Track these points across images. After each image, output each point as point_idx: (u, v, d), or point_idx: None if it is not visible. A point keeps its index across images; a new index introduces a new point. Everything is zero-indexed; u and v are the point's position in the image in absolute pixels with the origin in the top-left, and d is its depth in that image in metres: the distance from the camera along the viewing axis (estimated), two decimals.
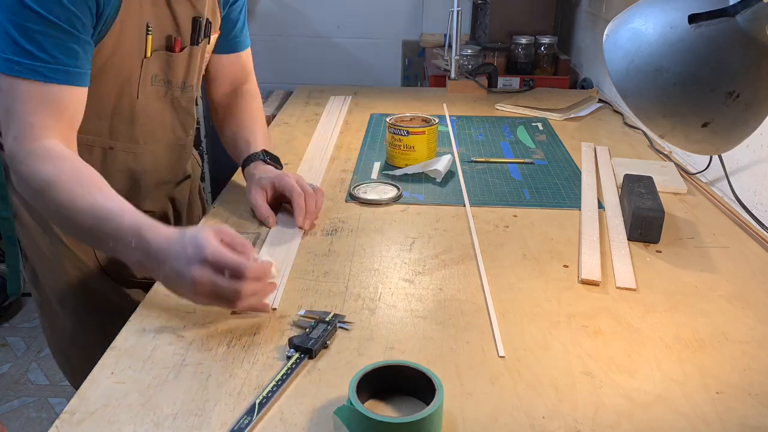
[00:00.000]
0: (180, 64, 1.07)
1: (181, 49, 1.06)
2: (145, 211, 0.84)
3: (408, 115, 1.35)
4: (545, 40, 2.18)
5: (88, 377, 0.70)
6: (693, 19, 0.74)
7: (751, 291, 0.89)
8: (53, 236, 1.08)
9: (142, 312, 0.81)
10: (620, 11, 0.86)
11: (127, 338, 0.76)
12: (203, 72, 1.18)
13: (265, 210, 1.04)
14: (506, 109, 1.76)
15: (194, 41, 1.08)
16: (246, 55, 1.26)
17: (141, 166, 1.12)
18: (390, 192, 1.18)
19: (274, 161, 1.13)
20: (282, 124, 1.59)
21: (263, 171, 1.09)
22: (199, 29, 1.07)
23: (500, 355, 0.74)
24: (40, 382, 2.12)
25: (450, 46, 1.98)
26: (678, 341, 0.77)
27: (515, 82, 2.07)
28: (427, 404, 0.62)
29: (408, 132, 1.27)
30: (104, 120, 1.04)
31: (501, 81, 2.04)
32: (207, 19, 1.09)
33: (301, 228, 1.02)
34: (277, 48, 1.95)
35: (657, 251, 0.99)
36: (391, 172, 1.28)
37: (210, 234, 0.76)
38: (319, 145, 1.44)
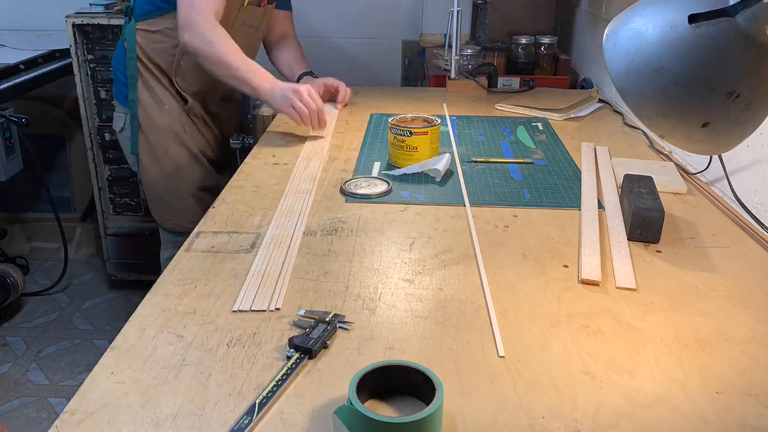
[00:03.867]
0: (260, 15, 1.71)
1: (263, 5, 1.70)
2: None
3: (409, 115, 1.35)
4: (545, 40, 2.18)
5: (88, 377, 0.70)
6: (693, 19, 0.74)
7: (751, 291, 0.89)
8: (164, 111, 1.69)
9: (142, 312, 0.81)
10: (620, 11, 0.86)
11: (127, 338, 0.76)
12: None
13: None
14: (506, 109, 1.76)
15: (270, 2, 1.73)
16: (290, 15, 1.92)
17: None
18: (380, 187, 1.19)
19: (313, 75, 1.81)
20: (282, 124, 1.59)
21: (312, 80, 1.76)
22: None
23: (500, 355, 0.74)
24: (40, 382, 2.12)
25: (450, 46, 1.98)
26: (678, 341, 0.77)
27: (515, 82, 2.07)
28: (427, 404, 0.62)
29: (411, 132, 1.28)
30: None
31: (501, 81, 2.03)
32: None
33: (338, 108, 1.73)
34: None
35: (657, 251, 0.99)
36: (390, 172, 1.28)
37: (307, 87, 1.49)
38: (315, 144, 1.44)
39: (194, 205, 1.75)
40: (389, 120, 1.32)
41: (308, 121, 1.45)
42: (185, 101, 1.70)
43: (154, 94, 1.68)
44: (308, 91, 1.46)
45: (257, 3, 1.67)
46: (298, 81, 1.75)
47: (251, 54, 1.75)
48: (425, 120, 1.33)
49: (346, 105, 1.75)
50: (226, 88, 1.75)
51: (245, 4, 1.61)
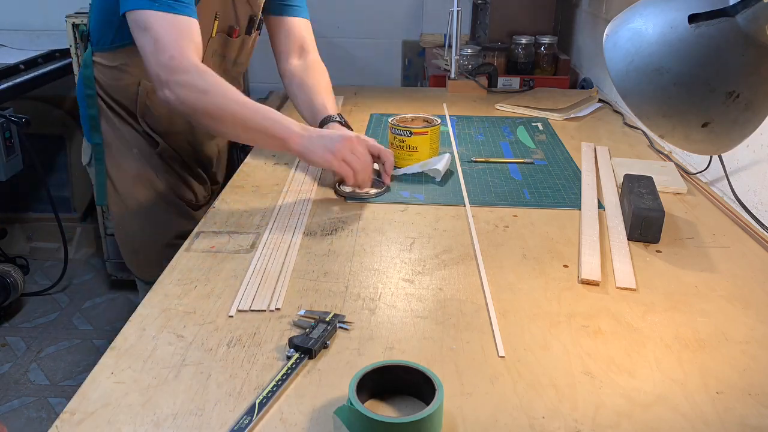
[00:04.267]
0: (234, 46, 1.38)
1: (237, 36, 1.36)
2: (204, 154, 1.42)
3: (409, 115, 1.34)
4: (545, 40, 2.18)
5: (88, 377, 0.70)
6: (693, 19, 0.74)
7: (751, 291, 0.89)
8: (133, 155, 1.40)
9: (142, 312, 0.81)
10: (620, 11, 0.86)
11: (127, 338, 0.76)
12: (251, 55, 1.49)
13: None
14: (506, 109, 1.76)
15: (248, 32, 1.40)
16: (309, 24, 1.52)
17: None
18: (375, 187, 1.19)
19: (347, 125, 1.33)
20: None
21: (339, 130, 1.27)
22: (252, 24, 1.39)
23: (500, 355, 0.74)
24: (40, 382, 2.12)
25: (450, 46, 1.98)
26: (678, 341, 0.77)
27: (515, 82, 2.07)
28: (427, 404, 0.62)
29: (411, 132, 1.27)
30: None
31: (501, 81, 2.03)
32: (260, 17, 1.41)
33: (387, 184, 1.22)
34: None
35: (657, 251, 0.99)
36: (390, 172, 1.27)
37: (354, 134, 1.17)
38: None
39: (172, 254, 1.24)
40: (389, 120, 1.32)
41: (361, 179, 1.13)
42: (156, 144, 1.41)
43: (121, 135, 1.38)
44: (358, 142, 1.13)
45: (228, 33, 1.33)
46: (321, 127, 1.33)
47: None
48: (425, 120, 1.33)
49: (391, 180, 1.25)
50: None
51: (213, 35, 1.29)
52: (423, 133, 1.28)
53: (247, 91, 1.52)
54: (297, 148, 1.11)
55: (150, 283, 1.20)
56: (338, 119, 1.32)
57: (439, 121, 1.32)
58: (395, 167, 1.30)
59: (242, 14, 1.35)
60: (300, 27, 1.48)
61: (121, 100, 1.36)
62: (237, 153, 1.79)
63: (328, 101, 1.38)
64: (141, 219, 1.43)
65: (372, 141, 1.20)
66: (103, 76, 1.34)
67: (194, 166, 1.50)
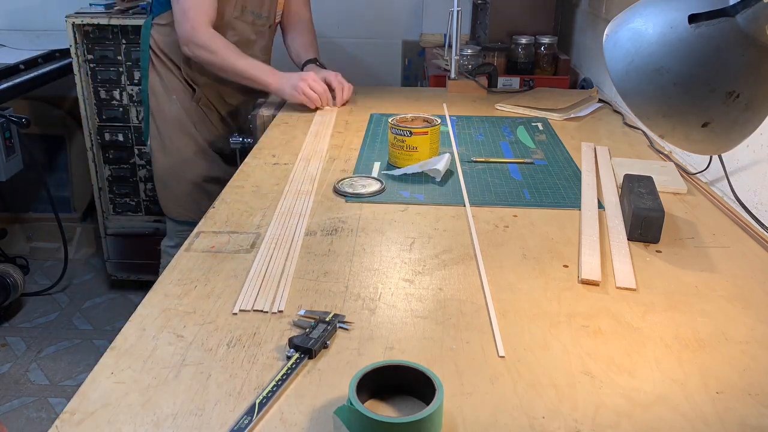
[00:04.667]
0: (262, 1, 1.78)
1: None
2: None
3: (409, 115, 1.34)
4: (545, 40, 2.18)
5: (88, 377, 0.70)
6: (693, 19, 0.74)
7: (751, 291, 0.89)
8: (172, 101, 1.81)
9: (142, 312, 0.81)
10: (620, 11, 0.86)
11: (127, 338, 0.76)
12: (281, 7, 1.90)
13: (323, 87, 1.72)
14: (506, 109, 1.76)
15: None
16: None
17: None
18: (373, 186, 1.19)
19: (321, 65, 1.88)
20: (282, 124, 1.59)
21: (317, 69, 1.82)
22: None
23: (500, 355, 0.74)
24: (40, 382, 2.12)
25: (450, 46, 1.98)
26: (678, 341, 0.77)
27: (515, 82, 2.07)
28: (427, 404, 0.62)
29: (411, 132, 1.27)
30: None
31: (501, 81, 2.03)
32: None
33: (337, 106, 1.72)
34: (277, 48, 1.99)
35: (657, 251, 0.99)
36: (390, 172, 1.28)
37: (311, 74, 1.69)
38: (313, 145, 1.44)
39: (199, 196, 1.85)
40: (389, 120, 1.32)
41: (319, 103, 1.66)
42: (194, 90, 1.81)
43: (164, 84, 1.80)
44: (312, 78, 1.65)
45: None
46: (302, 68, 1.85)
47: (264, 45, 1.87)
48: (425, 120, 1.33)
49: (345, 104, 1.75)
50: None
51: None
52: (423, 133, 1.28)
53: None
54: (274, 89, 1.67)
55: (178, 222, 1.91)
56: (314, 62, 1.87)
57: (439, 121, 1.32)
58: (395, 167, 1.30)
59: None
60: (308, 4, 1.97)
61: (169, 54, 1.78)
62: (240, 154, 1.88)
63: (310, 50, 1.94)
64: (174, 157, 1.82)
65: (326, 74, 1.74)
66: (159, 33, 1.78)
67: (225, 116, 1.89)
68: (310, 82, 1.63)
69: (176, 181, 1.84)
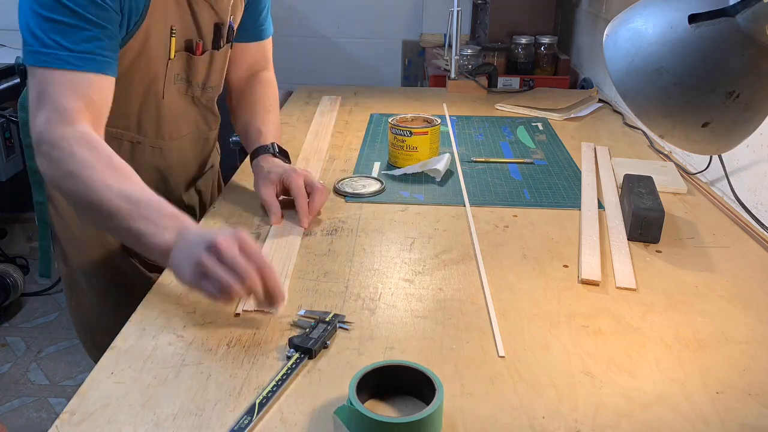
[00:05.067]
0: (201, 66, 1.12)
1: (202, 53, 1.11)
2: (174, 204, 0.86)
3: (409, 115, 1.34)
4: (545, 40, 2.18)
5: (88, 377, 0.70)
6: (693, 19, 0.74)
7: (751, 291, 0.89)
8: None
9: (142, 312, 0.81)
10: (620, 11, 0.86)
11: (127, 338, 0.76)
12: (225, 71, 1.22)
13: (273, 205, 1.06)
14: (506, 109, 1.76)
15: (216, 46, 1.12)
16: (267, 43, 1.30)
17: (168, 161, 1.18)
18: (373, 186, 1.19)
19: (283, 155, 1.15)
20: (282, 124, 1.59)
21: (272, 164, 1.10)
22: (220, 35, 1.12)
23: (500, 355, 0.74)
24: (40, 382, 2.12)
25: (450, 46, 1.98)
26: (678, 341, 0.77)
27: (515, 82, 2.07)
28: (427, 404, 0.62)
29: (411, 132, 1.27)
30: (132, 117, 1.10)
31: (501, 81, 2.04)
32: (230, 25, 1.14)
33: (303, 228, 1.03)
34: (277, 48, 1.98)
35: (657, 251, 0.99)
36: (390, 172, 1.28)
37: (229, 233, 0.77)
38: (313, 144, 1.44)
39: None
40: (389, 120, 1.32)
41: (234, 293, 0.74)
42: None
43: (60, 203, 1.13)
44: (230, 240, 0.76)
45: (189, 50, 1.08)
46: (252, 159, 1.15)
47: (206, 126, 1.23)
48: (425, 120, 1.33)
49: (314, 221, 1.06)
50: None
51: (172, 56, 1.05)
52: (423, 133, 1.28)
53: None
54: (164, 262, 0.82)
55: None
56: (271, 150, 1.13)
57: (439, 121, 1.32)
58: (395, 167, 1.30)
59: (206, 24, 1.08)
60: (265, 47, 1.30)
61: None
62: (240, 154, 1.62)
63: (265, 124, 1.19)
64: (96, 293, 1.18)
65: (286, 177, 1.05)
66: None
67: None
68: (224, 252, 0.75)
69: (104, 325, 1.13)
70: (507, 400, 0.67)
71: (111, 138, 1.03)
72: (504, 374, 0.71)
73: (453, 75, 1.95)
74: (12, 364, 2.20)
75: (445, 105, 1.78)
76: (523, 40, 2.16)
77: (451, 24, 1.93)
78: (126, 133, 1.11)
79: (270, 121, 1.21)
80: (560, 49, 2.30)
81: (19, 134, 1.15)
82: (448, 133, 1.54)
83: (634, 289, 0.88)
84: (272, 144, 1.15)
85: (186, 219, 0.83)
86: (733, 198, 1.14)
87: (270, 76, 1.31)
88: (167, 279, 0.89)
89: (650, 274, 0.92)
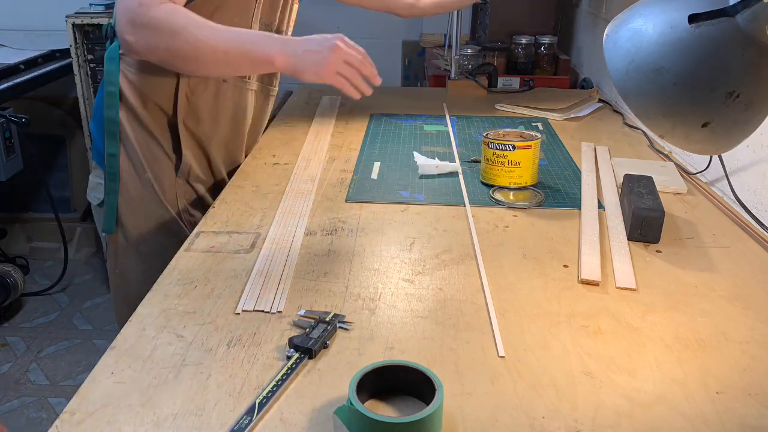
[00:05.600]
0: (277, 7, 1.21)
1: None
2: (237, 146, 1.26)
3: (500, 131, 1.24)
4: (545, 40, 2.18)
5: (88, 377, 0.70)
6: (693, 19, 0.74)
7: (751, 291, 0.89)
8: (145, 182, 1.19)
9: (142, 312, 0.81)
10: (620, 11, 0.86)
11: (127, 338, 0.76)
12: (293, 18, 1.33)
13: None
14: (506, 109, 1.76)
15: None
16: None
17: (244, 103, 1.28)
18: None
19: None
20: (282, 124, 1.59)
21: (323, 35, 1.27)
22: None
23: (500, 355, 0.74)
24: (40, 382, 2.12)
25: (450, 46, 1.98)
26: (678, 341, 0.77)
27: (515, 82, 2.07)
28: (427, 404, 0.62)
29: (514, 147, 1.17)
30: None
31: (501, 81, 2.03)
32: None
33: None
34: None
35: (657, 251, 0.99)
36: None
37: (339, 37, 1.02)
38: (313, 144, 1.44)
39: None
40: (483, 135, 1.22)
41: (361, 81, 1.03)
42: (178, 165, 1.21)
43: (134, 151, 1.18)
44: (348, 44, 1.02)
45: None
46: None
47: (269, 79, 1.33)
48: (520, 135, 1.23)
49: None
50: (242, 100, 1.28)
51: None
52: (527, 147, 1.18)
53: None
54: (284, 67, 1.02)
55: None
56: None
57: (540, 136, 1.23)
58: (492, 186, 1.21)
59: None
60: None
61: (154, 98, 1.15)
62: None
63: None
64: (143, 266, 1.19)
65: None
66: (133, 69, 1.14)
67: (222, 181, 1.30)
68: (347, 53, 1.01)
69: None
70: (507, 400, 0.67)
71: (199, 78, 1.16)
72: (504, 374, 0.71)
73: (453, 75, 1.95)
74: (12, 364, 2.20)
75: (445, 105, 1.78)
76: (523, 40, 2.16)
77: (451, 24, 1.93)
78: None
79: None
80: (560, 49, 2.30)
81: (97, 86, 1.27)
82: (448, 133, 1.54)
83: (634, 289, 0.88)
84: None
85: (284, 37, 1.05)
86: (733, 198, 1.14)
87: None
88: (167, 279, 0.89)
89: (650, 274, 0.92)
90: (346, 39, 1.02)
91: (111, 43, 1.16)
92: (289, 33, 1.30)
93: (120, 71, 1.14)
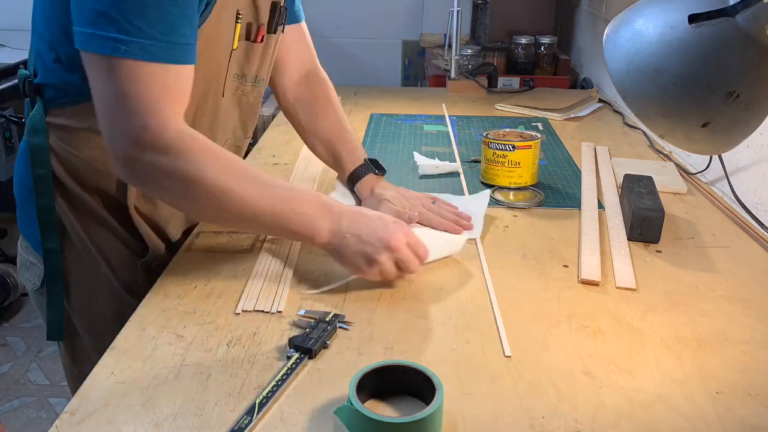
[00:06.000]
0: (256, 55, 0.98)
1: (262, 39, 0.96)
2: None
3: (500, 131, 1.24)
4: (545, 40, 2.18)
5: (89, 377, 0.70)
6: (693, 19, 0.74)
7: (751, 291, 0.89)
8: (102, 277, 0.95)
9: (142, 312, 0.81)
10: (620, 11, 0.86)
11: (127, 338, 0.76)
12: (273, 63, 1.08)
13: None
14: (506, 109, 1.76)
15: (271, 29, 0.98)
16: (305, 28, 1.16)
17: None
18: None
19: (380, 169, 1.11)
20: (282, 123, 1.59)
21: (383, 188, 1.07)
22: (278, 15, 0.98)
23: (506, 354, 0.74)
24: (40, 382, 2.12)
25: (450, 46, 1.98)
26: (678, 341, 0.77)
27: (515, 82, 2.07)
28: (427, 404, 0.62)
29: (514, 147, 1.17)
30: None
31: (501, 81, 2.04)
32: (283, 4, 0.99)
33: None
34: None
35: (657, 251, 0.99)
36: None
37: (401, 233, 0.84)
38: None
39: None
40: (484, 135, 1.21)
41: (394, 278, 0.87)
42: (143, 252, 0.97)
43: (83, 243, 0.94)
44: (408, 238, 0.85)
45: (250, 37, 0.95)
46: (353, 184, 1.10)
47: (242, 132, 1.06)
48: (520, 135, 1.22)
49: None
50: None
51: (235, 47, 0.92)
52: (527, 147, 1.17)
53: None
54: (323, 245, 0.85)
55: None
56: (372, 170, 1.09)
57: (540, 136, 1.22)
58: (492, 186, 1.20)
59: (263, 3, 0.95)
60: (303, 30, 1.17)
61: (95, 182, 0.91)
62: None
63: (349, 141, 1.12)
64: (95, 339, 0.98)
65: (414, 199, 1.03)
66: (66, 146, 0.89)
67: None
68: (401, 253, 0.84)
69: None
70: (507, 400, 0.67)
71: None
72: (504, 374, 0.71)
73: (453, 75, 1.95)
74: (12, 364, 2.20)
75: (444, 105, 1.78)
76: (523, 40, 2.16)
77: (451, 24, 1.93)
78: None
79: (350, 131, 1.13)
80: (560, 49, 2.30)
81: (20, 139, 0.97)
82: (448, 133, 1.54)
83: (634, 289, 0.88)
84: (366, 161, 1.10)
85: (336, 207, 0.86)
86: (733, 198, 1.14)
87: (323, 75, 1.17)
88: (167, 279, 0.89)
89: (650, 274, 0.92)
90: (411, 234, 0.86)
91: (32, 106, 0.90)
92: (267, 81, 1.07)
93: (50, 149, 0.89)
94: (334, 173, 1.25)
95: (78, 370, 1.03)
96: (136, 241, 0.96)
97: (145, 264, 0.97)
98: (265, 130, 1.58)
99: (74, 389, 0.98)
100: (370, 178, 1.08)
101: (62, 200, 0.92)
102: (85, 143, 0.89)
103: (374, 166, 1.10)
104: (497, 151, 1.19)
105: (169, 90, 0.77)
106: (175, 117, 0.78)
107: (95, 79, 0.76)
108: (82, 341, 1.00)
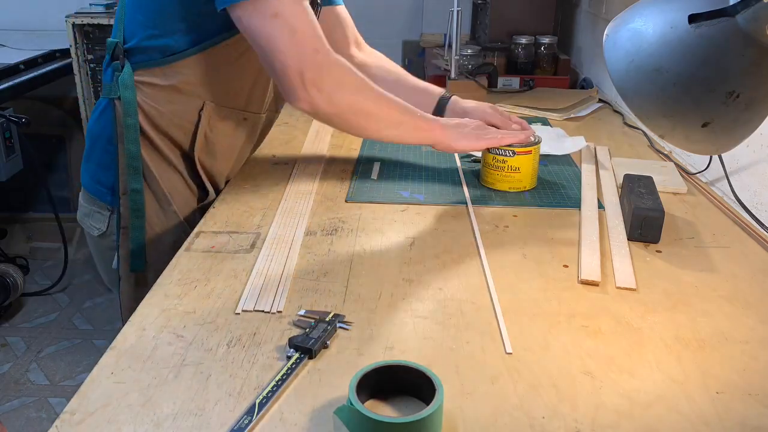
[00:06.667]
0: None
1: (318, 9, 1.11)
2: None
3: None
4: (545, 40, 2.18)
5: (88, 377, 0.70)
6: (693, 19, 0.74)
7: (751, 291, 0.89)
8: (171, 215, 1.14)
9: (142, 312, 0.81)
10: (620, 11, 0.86)
11: (127, 338, 0.76)
12: None
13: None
14: (506, 109, 1.76)
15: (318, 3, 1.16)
16: (342, 11, 1.35)
17: (253, 137, 1.27)
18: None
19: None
20: (282, 124, 1.59)
21: (463, 105, 1.30)
22: None
23: (508, 351, 0.74)
24: (40, 382, 2.12)
25: (450, 46, 1.98)
26: (678, 341, 0.77)
27: (515, 82, 2.07)
28: (427, 404, 0.62)
29: (514, 152, 1.17)
30: (242, 95, 1.15)
31: (501, 81, 2.04)
32: None
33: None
34: None
35: (657, 251, 0.99)
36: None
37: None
38: (313, 144, 1.44)
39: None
40: None
41: (507, 137, 1.16)
42: (205, 194, 1.18)
43: (158, 187, 1.11)
44: (481, 123, 1.20)
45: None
46: (442, 110, 1.31)
47: (275, 104, 1.29)
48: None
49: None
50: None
51: None
52: (526, 153, 1.17)
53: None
54: (442, 138, 1.14)
55: None
56: (449, 96, 1.33)
57: (540, 138, 1.22)
58: (489, 189, 1.22)
59: None
60: (347, 15, 1.34)
61: (170, 132, 1.09)
62: None
63: (422, 83, 1.36)
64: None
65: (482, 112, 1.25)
66: (150, 101, 1.06)
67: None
68: (484, 127, 1.19)
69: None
70: (507, 400, 0.67)
71: (221, 116, 1.13)
72: (504, 374, 0.71)
73: (453, 75, 1.95)
74: (12, 364, 2.20)
75: None
76: (523, 40, 2.16)
77: (451, 24, 1.93)
78: (234, 111, 1.15)
79: (416, 82, 1.36)
80: (560, 49, 2.29)
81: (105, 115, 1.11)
82: None
83: (634, 289, 0.88)
84: (445, 92, 1.33)
85: (438, 121, 1.16)
86: (733, 198, 1.14)
87: (369, 49, 1.42)
88: (167, 279, 0.89)
89: (650, 274, 0.92)
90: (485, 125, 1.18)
91: (122, 68, 1.05)
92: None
93: (137, 104, 1.06)
94: (333, 173, 1.26)
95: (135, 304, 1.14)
96: (195, 186, 1.17)
97: (202, 204, 1.18)
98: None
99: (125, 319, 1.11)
100: (456, 101, 1.31)
101: (144, 147, 1.09)
102: (167, 99, 1.07)
103: (451, 96, 1.33)
104: (497, 156, 1.19)
105: (315, 22, 0.97)
106: (324, 41, 0.99)
107: (260, 26, 0.94)
108: (144, 275, 1.14)
